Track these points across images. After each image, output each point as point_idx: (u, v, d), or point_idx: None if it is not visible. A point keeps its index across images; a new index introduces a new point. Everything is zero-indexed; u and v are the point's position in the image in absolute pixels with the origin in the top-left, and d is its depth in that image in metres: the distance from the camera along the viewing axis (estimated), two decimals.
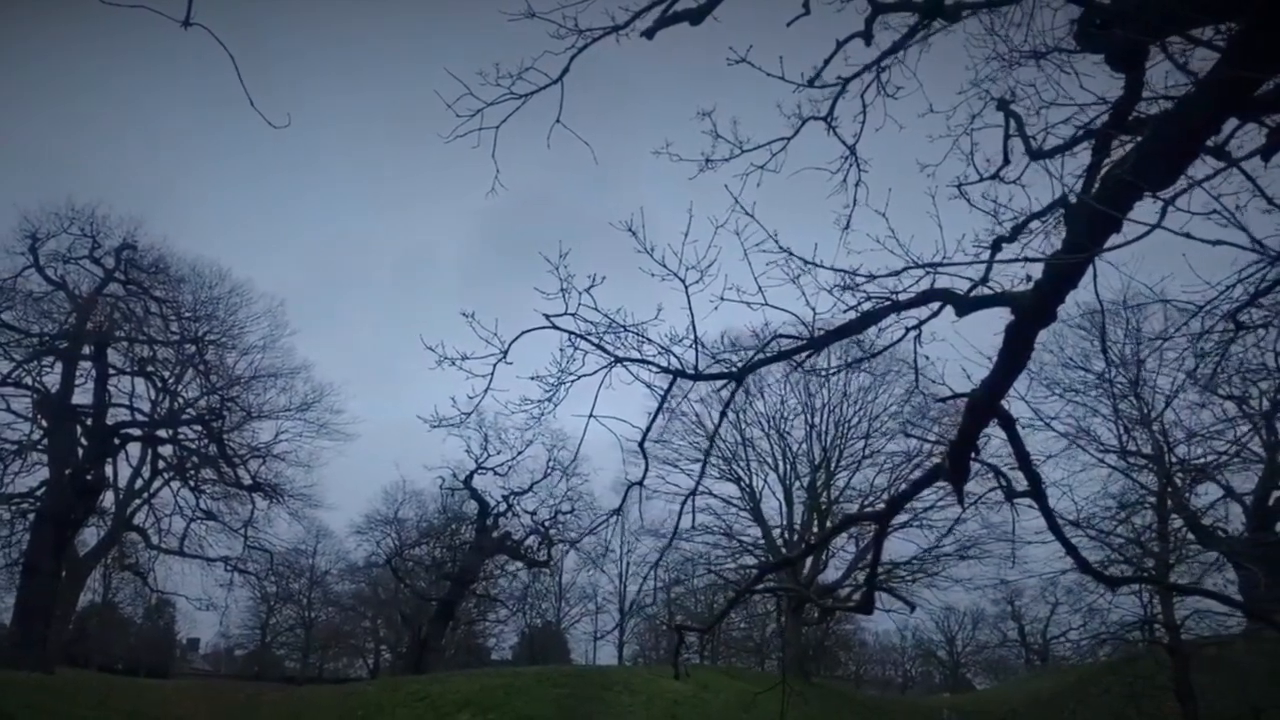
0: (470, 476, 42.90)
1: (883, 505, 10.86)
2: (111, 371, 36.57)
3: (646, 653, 59.43)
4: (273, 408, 39.45)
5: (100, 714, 25.92)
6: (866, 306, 7.69)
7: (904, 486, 9.91)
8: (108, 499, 37.63)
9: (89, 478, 35.09)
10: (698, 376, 8.14)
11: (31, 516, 35.53)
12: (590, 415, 8.86)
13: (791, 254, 7.06)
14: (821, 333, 7.75)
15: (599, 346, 8.68)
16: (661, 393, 8.39)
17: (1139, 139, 7.51)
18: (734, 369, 8.29)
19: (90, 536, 38.74)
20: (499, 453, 43.01)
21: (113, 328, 36.39)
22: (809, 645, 39.82)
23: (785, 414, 38.54)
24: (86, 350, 36.36)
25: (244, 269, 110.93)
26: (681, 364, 8.33)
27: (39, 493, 35.88)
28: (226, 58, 4.83)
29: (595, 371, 8.78)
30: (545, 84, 9.41)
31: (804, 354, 7.98)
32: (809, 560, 32.63)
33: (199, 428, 37.72)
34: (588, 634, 58.42)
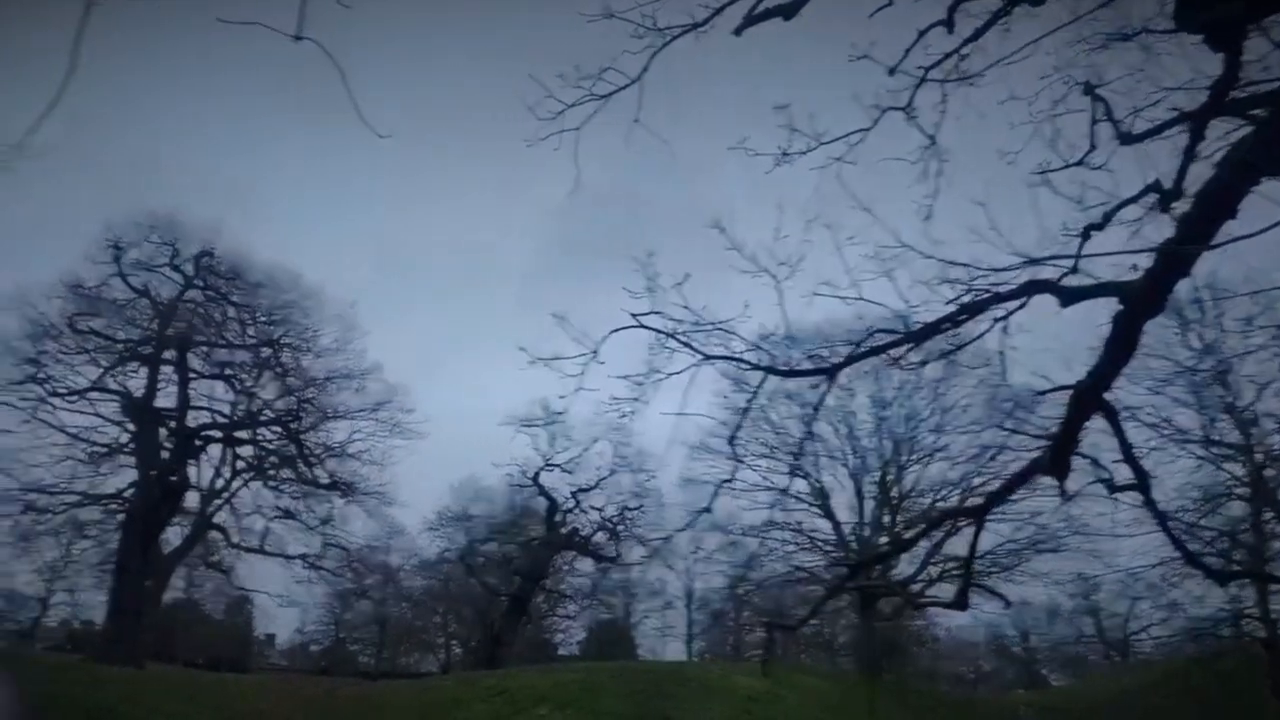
0: (538, 473, 43.36)
1: (979, 500, 10.69)
2: (192, 375, 37.70)
3: (715, 649, 59.34)
4: (347, 408, 40.35)
5: (190, 707, 26.64)
6: (966, 299, 7.58)
7: (1002, 482, 9.72)
8: (191, 499, 38.81)
9: (173, 479, 36.20)
10: (790, 373, 8.12)
11: (121, 517, 36.80)
12: (681, 413, 8.89)
13: (905, 245, 6.94)
14: (919, 326, 7.67)
15: (687, 345, 8.71)
16: (751, 389, 8.41)
17: (1247, 121, 7.27)
18: (826, 365, 8.25)
19: (174, 535, 40.12)
20: (566, 449, 43.41)
21: (193, 333, 37.48)
22: (882, 641, 39.33)
23: (854, 407, 38.15)
24: (169, 355, 37.51)
25: (316, 272, 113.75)
26: (773, 360, 8.31)
27: (127, 494, 37.17)
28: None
29: (684, 370, 8.81)
30: (625, 84, 9.44)
31: (902, 348, 7.91)
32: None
33: (277, 428, 38.66)
34: (655, 630, 58.63)
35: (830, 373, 8.35)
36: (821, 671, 35.73)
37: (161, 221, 37.25)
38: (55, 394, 36.38)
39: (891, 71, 9.91)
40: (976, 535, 9.28)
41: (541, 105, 9.23)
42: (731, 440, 8.76)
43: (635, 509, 44.57)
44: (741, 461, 34.74)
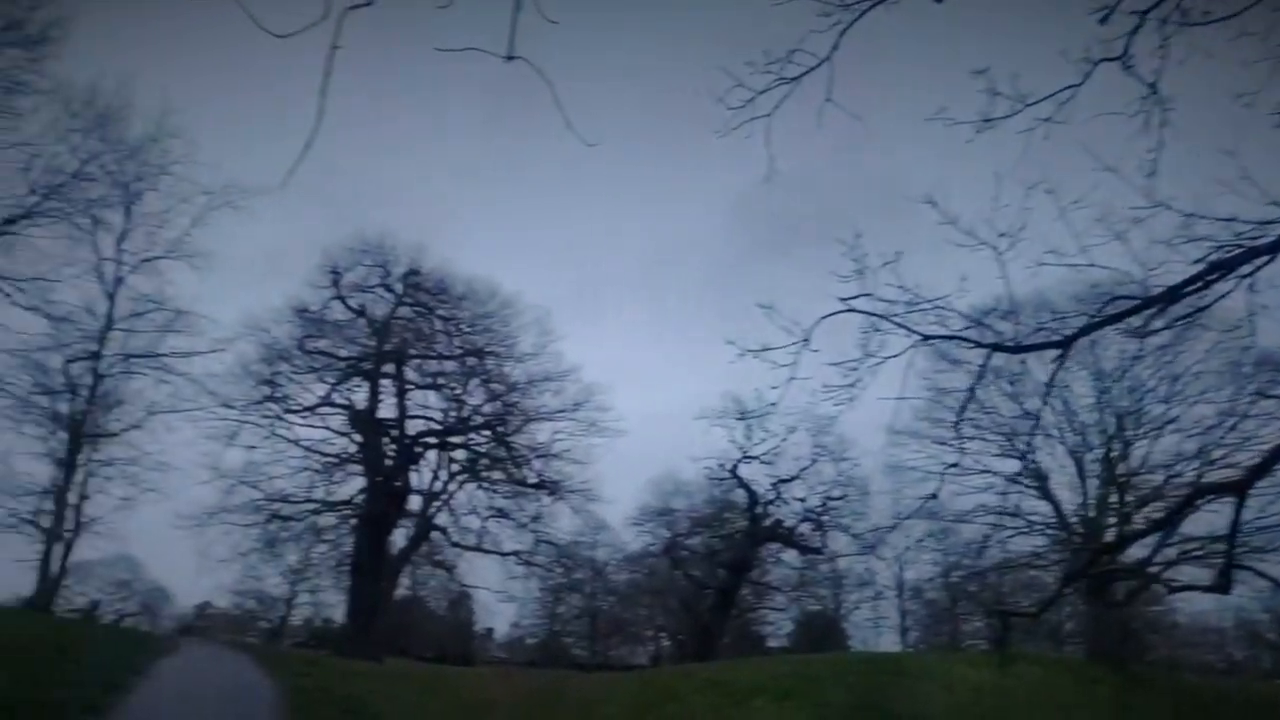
0: (736, 466, 43.37)
1: (1235, 474, 9.74)
2: (408, 386, 40.26)
3: (931, 639, 57.40)
4: (548, 410, 41.92)
5: (426, 698, 28.26)
6: (1214, 257, 6.89)
7: (1265, 452, 8.79)
8: (413, 502, 41.42)
9: (397, 484, 38.74)
10: (1018, 349, 7.67)
11: (353, 521, 39.78)
12: (900, 397, 8.59)
13: (1158, 204, 6.39)
14: (1160, 290, 7.04)
15: (902, 326, 8.39)
16: (973, 368, 7.98)
17: None
18: (1059, 338, 7.72)
19: (399, 537, 42.95)
20: (763, 441, 43.18)
21: (406, 347, 40.00)
22: (1114, 628, 36.71)
23: (1069, 380, 35.77)
24: (387, 369, 40.21)
25: (515, 280, 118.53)
26: (998, 337, 7.88)
27: (357, 499, 40.16)
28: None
29: (900, 353, 8.49)
30: (814, 64, 9.20)
31: (1144, 313, 7.29)
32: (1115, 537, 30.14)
33: (487, 432, 40.66)
34: (867, 621, 57.30)
35: (1065, 345, 7.81)
36: (1049, 660, 33.63)
37: (373, 245, 40.14)
38: (290, 411, 39.86)
39: (1104, 19, 9.20)
40: (1238, 511, 8.44)
41: (731, 95, 9.14)
42: (957, 423, 8.37)
43: (839, 499, 43.82)
44: (965, 444, 33.42)
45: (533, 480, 40.54)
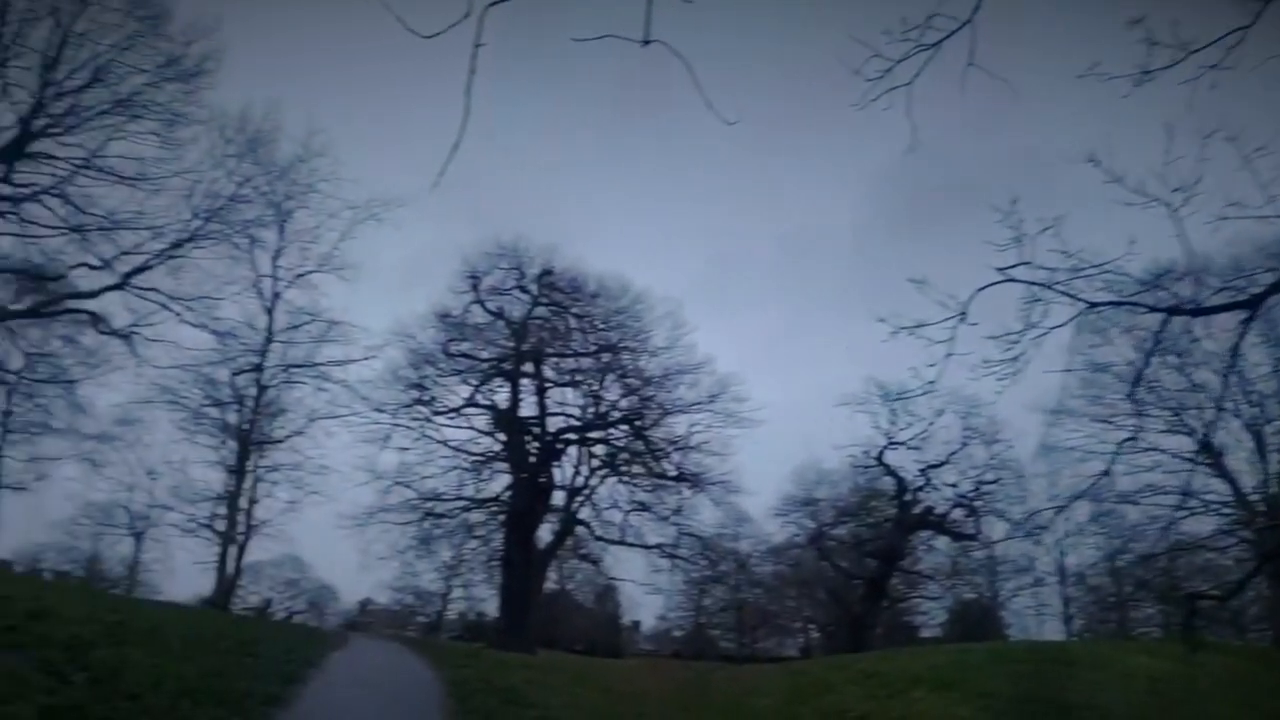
0: (882, 452, 42.35)
1: None
2: (547, 384, 41.06)
3: (1097, 627, 54.54)
4: (684, 402, 41.94)
5: (580, 689, 28.64)
6: None
7: None
8: (557, 497, 42.22)
9: (541, 480, 39.58)
10: (1199, 311, 7.08)
11: (502, 518, 40.89)
12: (1066, 370, 8.10)
13: None
14: None
15: (1066, 293, 7.90)
16: (1153, 334, 7.40)
17: None
18: (1245, 297, 7.08)
19: (545, 532, 43.87)
20: (909, 425, 42.03)
21: (544, 346, 40.82)
22: None
23: (1244, 346, 33.22)
24: (526, 368, 41.14)
25: (646, 270, 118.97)
26: (1174, 300, 7.30)
27: (504, 496, 41.26)
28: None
29: (1066, 322, 8.01)
30: (955, 28, 8.77)
31: None
32: None
33: (625, 427, 41.03)
34: (1027, 609, 54.92)
35: (1253, 305, 7.16)
36: (1233, 648, 31.33)
37: (508, 249, 41.17)
38: (437, 413, 41.31)
39: None
40: None
41: (868, 65, 8.80)
42: (1132, 394, 7.83)
43: (992, 483, 42.20)
44: (1137, 418, 31.62)
45: (672, 473, 40.67)
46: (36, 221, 30.11)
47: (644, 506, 42.18)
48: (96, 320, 31.49)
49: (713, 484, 41.90)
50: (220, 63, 30.55)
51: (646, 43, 5.06)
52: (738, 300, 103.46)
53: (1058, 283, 7.76)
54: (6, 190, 29.36)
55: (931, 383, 8.22)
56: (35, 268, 30.40)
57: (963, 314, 7.92)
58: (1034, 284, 7.76)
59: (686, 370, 41.74)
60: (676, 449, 40.69)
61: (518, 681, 24.79)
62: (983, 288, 7.95)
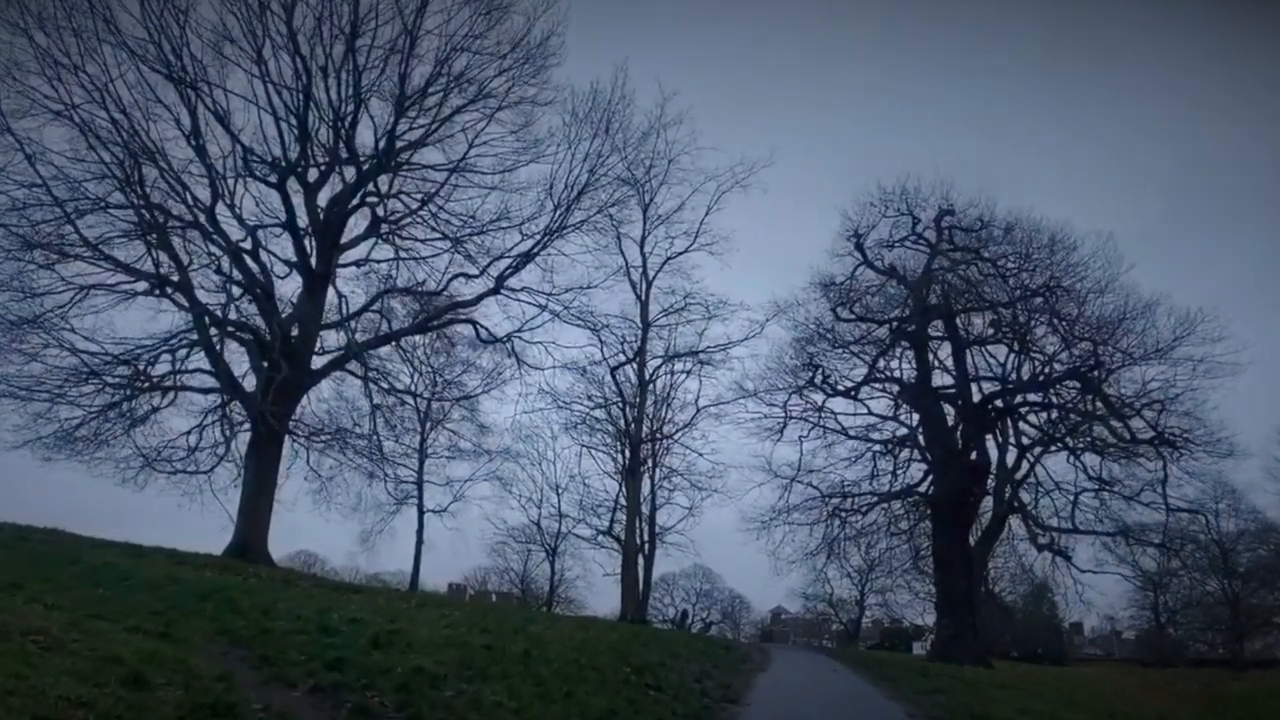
0: None
1: None
2: (967, 344, 34.19)
3: None
4: (1138, 349, 32.84)
5: (1074, 714, 22.10)
6: None
7: None
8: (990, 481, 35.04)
9: (972, 458, 32.89)
10: None
11: (927, 510, 34.68)
12: None
13: None
14: None
15: None
16: None
17: None
18: None
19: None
20: None
21: (952, 300, 34.18)
22: None
23: None
24: (933, 330, 34.64)
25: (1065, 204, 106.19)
26: None
27: (924, 486, 34.98)
28: None
29: None
30: None
31: None
32: None
33: (1073, 383, 32.86)
34: None
35: None
36: None
37: (894, 195, 35.00)
38: (833, 394, 35.87)
39: None
40: None
41: None
42: None
43: None
44: None
45: (1144, 436, 31.82)
46: (414, 238, 29.32)
47: (1105, 483, 33.79)
48: (479, 329, 30.05)
49: (1188, 448, 32.51)
50: (564, 38, 27.82)
51: None
52: (1203, 225, 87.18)
53: None
54: (381, 212, 28.74)
55: None
56: (420, 285, 29.49)
57: None
58: None
59: (1130, 314, 32.73)
60: (1146, 405, 31.81)
61: (1012, 714, 18.95)
62: None
